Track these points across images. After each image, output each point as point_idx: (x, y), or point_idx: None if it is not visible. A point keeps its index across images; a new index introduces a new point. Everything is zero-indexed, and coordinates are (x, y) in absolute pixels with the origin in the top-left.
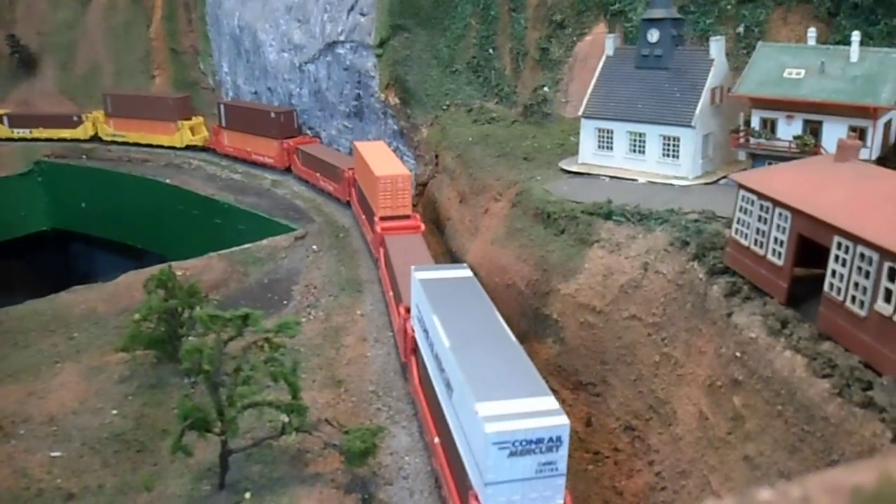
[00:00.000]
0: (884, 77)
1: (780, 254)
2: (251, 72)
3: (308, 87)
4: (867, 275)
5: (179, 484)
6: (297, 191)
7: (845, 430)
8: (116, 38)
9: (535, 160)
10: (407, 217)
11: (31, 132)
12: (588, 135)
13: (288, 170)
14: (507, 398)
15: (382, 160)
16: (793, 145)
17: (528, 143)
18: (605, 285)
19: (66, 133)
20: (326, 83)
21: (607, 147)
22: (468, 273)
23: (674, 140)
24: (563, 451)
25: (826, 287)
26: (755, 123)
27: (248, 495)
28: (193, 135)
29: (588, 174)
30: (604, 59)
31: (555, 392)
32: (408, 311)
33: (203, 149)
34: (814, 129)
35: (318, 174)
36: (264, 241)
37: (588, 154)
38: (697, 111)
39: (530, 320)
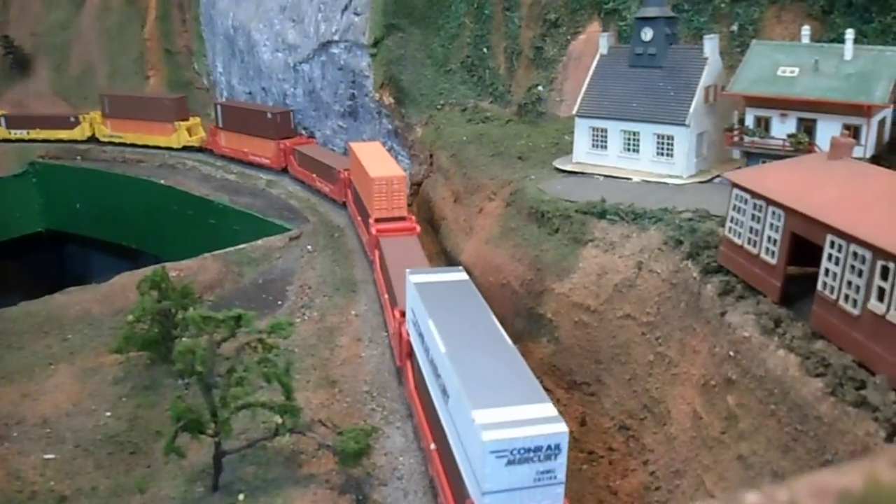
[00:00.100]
0: (878, 75)
1: (773, 252)
2: (245, 72)
3: (302, 87)
4: (860, 273)
5: (173, 486)
6: (291, 191)
7: (838, 430)
8: (110, 38)
9: (529, 159)
10: (402, 219)
11: (28, 133)
12: (582, 134)
13: (285, 171)
14: (504, 405)
15: (378, 161)
16: (787, 143)
17: (523, 142)
18: (599, 284)
19: (63, 134)
20: (321, 83)
21: (601, 146)
22: (464, 276)
23: (668, 139)
24: (562, 459)
25: (819, 286)
26: (749, 122)
27: (241, 497)
28: (190, 135)
29: (582, 173)
30: (598, 57)
31: (549, 392)
32: (403, 314)
33: (200, 149)
34: (808, 128)
35: (314, 175)
36: (259, 242)
37: (582, 153)
38: (691, 110)
39: (524, 320)
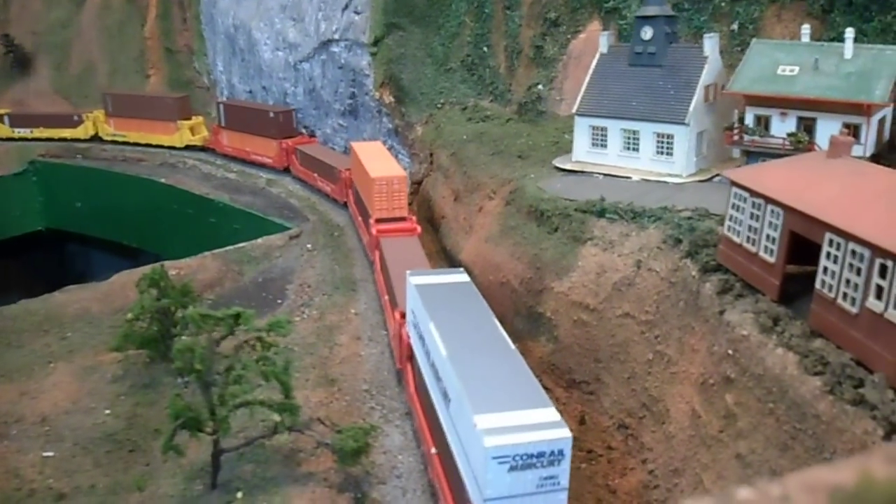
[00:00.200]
0: (878, 74)
1: (772, 251)
2: (246, 71)
3: (303, 86)
4: (859, 272)
5: (171, 484)
6: (291, 190)
7: (837, 428)
8: (111, 37)
9: (529, 158)
10: (403, 219)
11: (31, 132)
12: (582, 132)
13: (287, 170)
14: (506, 410)
15: (378, 161)
16: (787, 142)
17: (523, 141)
18: (599, 283)
19: (66, 133)
20: (321, 82)
21: (601, 145)
22: (465, 278)
23: (667, 137)
24: (565, 465)
25: (818, 284)
26: (749, 121)
27: (240, 495)
28: (193, 135)
29: (582, 172)
30: (598, 56)
31: (548, 390)
32: (403, 316)
33: (203, 149)
34: (808, 126)
35: (315, 175)
36: (259, 240)
37: (582, 152)
38: (691, 108)
39: (524, 319)
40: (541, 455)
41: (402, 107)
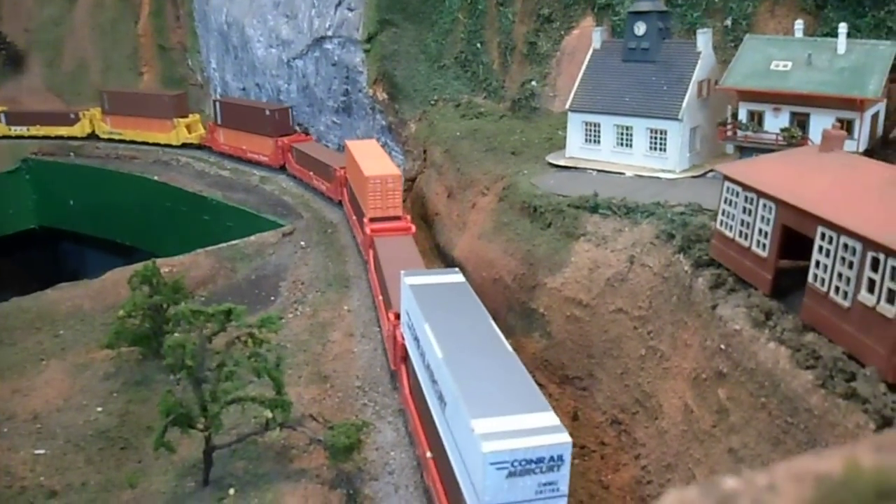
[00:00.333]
0: (871, 69)
1: (764, 245)
2: (239, 68)
3: (296, 83)
4: (851, 265)
5: (163, 481)
6: (285, 187)
7: (829, 422)
8: (104, 34)
9: (522, 154)
10: (397, 218)
11: (28, 129)
12: (575, 128)
13: (283, 168)
14: (504, 414)
15: (373, 159)
16: (780, 138)
17: (516, 137)
18: (592, 279)
19: (63, 130)
20: (314, 79)
21: (594, 141)
22: (460, 278)
23: (661, 133)
24: (565, 471)
25: (810, 278)
26: (742, 116)
27: (232, 491)
28: (189, 132)
29: (575, 168)
30: (591, 52)
31: (541, 386)
32: (397, 317)
33: (199, 147)
34: (801, 122)
35: (311, 173)
36: (252, 238)
37: (575, 148)
38: (684, 104)
39: (517, 314)
40: (540, 460)
41: (395, 104)
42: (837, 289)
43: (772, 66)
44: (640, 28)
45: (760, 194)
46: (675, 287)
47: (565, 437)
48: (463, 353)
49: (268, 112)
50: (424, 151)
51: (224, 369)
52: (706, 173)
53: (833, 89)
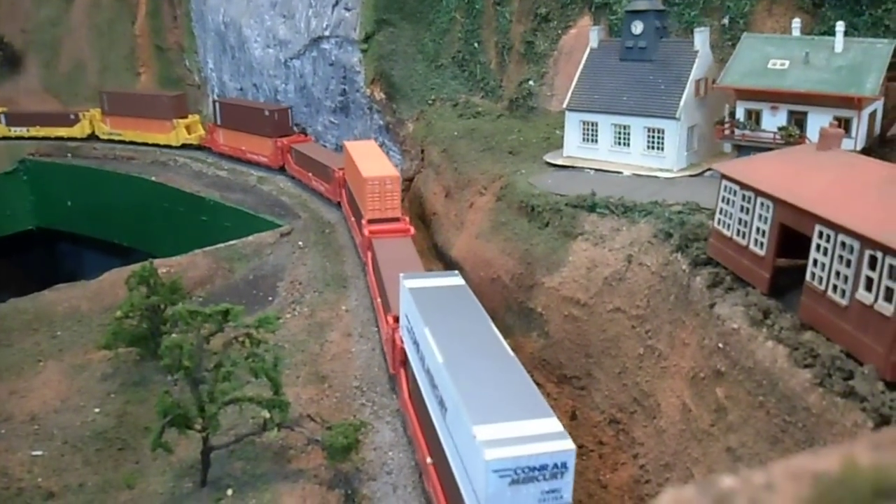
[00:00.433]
0: (868, 67)
1: (762, 244)
2: (236, 68)
3: (294, 83)
4: (848, 263)
5: (161, 481)
6: (283, 187)
7: (827, 421)
8: (101, 35)
9: (520, 154)
10: (396, 220)
11: (28, 130)
12: (572, 128)
13: (282, 169)
14: (507, 420)
15: (371, 160)
16: (778, 136)
17: (514, 136)
18: (589, 278)
19: (63, 131)
20: (312, 79)
21: (592, 140)
22: (460, 281)
23: (658, 132)
24: (569, 478)
25: (808, 276)
26: (740, 115)
27: (230, 492)
28: (189, 133)
29: (573, 167)
30: (588, 51)
31: (540, 386)
32: (396, 320)
33: (199, 147)
34: (798, 120)
35: (310, 174)
36: (250, 238)
37: (573, 147)
38: (682, 103)
39: (515, 314)
40: (543, 468)
41: (393, 103)
42: (835, 287)
43: (769, 65)
44: (638, 27)
45: (758, 193)
46: (673, 286)
47: (569, 444)
48: (464, 358)
49: (267, 112)
50: (422, 151)
51: (222, 370)
52: (704, 172)
53: (831, 88)
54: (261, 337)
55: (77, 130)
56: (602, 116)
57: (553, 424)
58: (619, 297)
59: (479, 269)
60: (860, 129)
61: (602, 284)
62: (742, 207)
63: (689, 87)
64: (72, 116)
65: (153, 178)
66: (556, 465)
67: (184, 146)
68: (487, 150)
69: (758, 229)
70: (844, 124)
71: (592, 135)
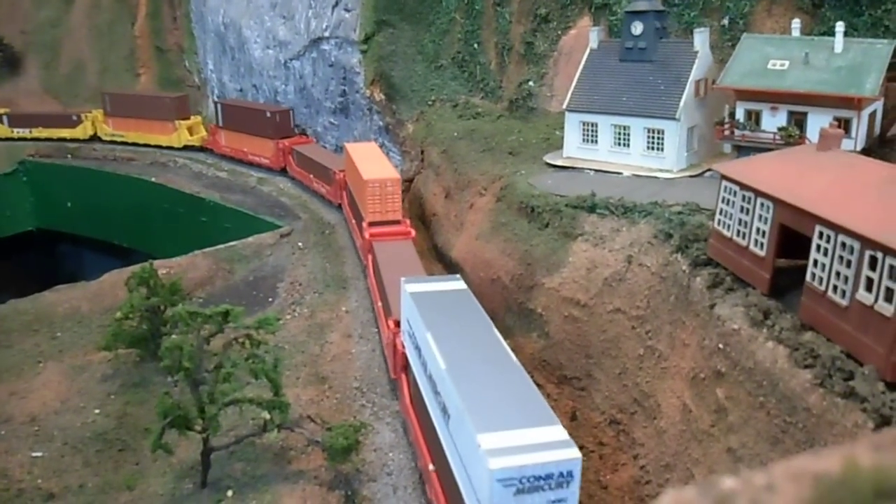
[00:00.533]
0: (868, 68)
1: (762, 244)
2: (236, 69)
3: (293, 84)
4: (848, 264)
5: (161, 483)
6: (282, 188)
7: (827, 421)
8: (101, 36)
9: (520, 154)
10: (397, 222)
11: (30, 132)
12: (572, 128)
13: (284, 171)
14: (511, 428)
15: (372, 162)
16: (777, 137)
17: (514, 137)
18: (589, 279)
19: (65, 133)
20: (312, 80)
21: (592, 140)
22: (462, 285)
23: (658, 133)
24: (574, 488)
25: (808, 277)
26: (740, 115)
27: (230, 493)
28: (191, 134)
29: (573, 168)
30: (588, 52)
31: (540, 387)
32: (397, 324)
33: (201, 149)
34: (798, 121)
35: (311, 176)
36: (250, 239)
37: (573, 148)
38: (682, 104)
39: (515, 315)
40: (549, 477)
41: (392, 104)
42: (835, 287)
43: (769, 66)
44: (637, 28)
45: (758, 193)
46: (673, 286)
47: (575, 453)
48: (467, 364)
49: (268, 114)
50: (422, 152)
51: (222, 371)
52: (704, 173)
53: (830, 88)
54: (261, 338)
55: (79, 132)
56: (602, 117)
57: (558, 432)
58: (619, 298)
59: (479, 270)
60: (860, 130)
61: (602, 285)
62: (742, 208)
63: (689, 88)
64: (74, 118)
65: (153, 179)
66: (561, 474)
67: (186, 147)
68: (487, 150)
69: (758, 230)
70: (844, 125)
71: (592, 135)
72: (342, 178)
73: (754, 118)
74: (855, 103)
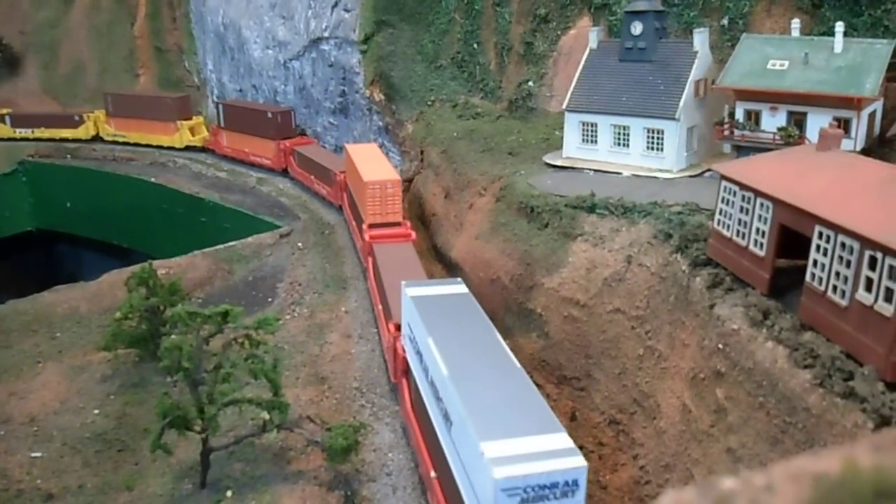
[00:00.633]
0: (867, 68)
1: (761, 244)
2: (236, 69)
3: (293, 84)
4: (848, 264)
5: (161, 483)
6: (282, 188)
7: (827, 421)
8: (100, 36)
9: (519, 155)
10: (397, 224)
11: (33, 132)
12: (572, 128)
13: (285, 171)
14: (515, 436)
15: (372, 164)
16: (777, 137)
17: (513, 137)
18: (589, 279)
19: (67, 133)
20: (311, 80)
21: (591, 140)
22: (464, 289)
23: (658, 133)
24: (580, 497)
25: (808, 277)
26: (739, 115)
27: (229, 494)
28: (193, 135)
29: (572, 168)
30: (587, 52)
31: (539, 387)
32: (398, 328)
33: (202, 149)
34: (798, 121)
35: (312, 177)
36: (249, 239)
37: (572, 148)
38: (681, 104)
39: (514, 315)
40: (554, 486)
41: (392, 104)
42: (835, 288)
43: (769, 66)
44: (637, 28)
45: (758, 193)
46: (673, 287)
47: (580, 461)
48: (470, 370)
49: (270, 114)
50: (421, 152)
51: (221, 371)
52: (703, 173)
53: (830, 88)
54: (260, 338)
55: (81, 132)
56: (601, 117)
57: (563, 440)
58: (619, 298)
59: (479, 270)
60: (860, 130)
61: (602, 285)
62: (742, 208)
63: (689, 88)
64: (76, 118)
65: (152, 180)
66: (567, 483)
67: (187, 148)
68: (487, 150)
69: (757, 230)
70: (844, 125)
71: (592, 135)
72: (343, 180)
73: (754, 118)
74: (854, 103)
